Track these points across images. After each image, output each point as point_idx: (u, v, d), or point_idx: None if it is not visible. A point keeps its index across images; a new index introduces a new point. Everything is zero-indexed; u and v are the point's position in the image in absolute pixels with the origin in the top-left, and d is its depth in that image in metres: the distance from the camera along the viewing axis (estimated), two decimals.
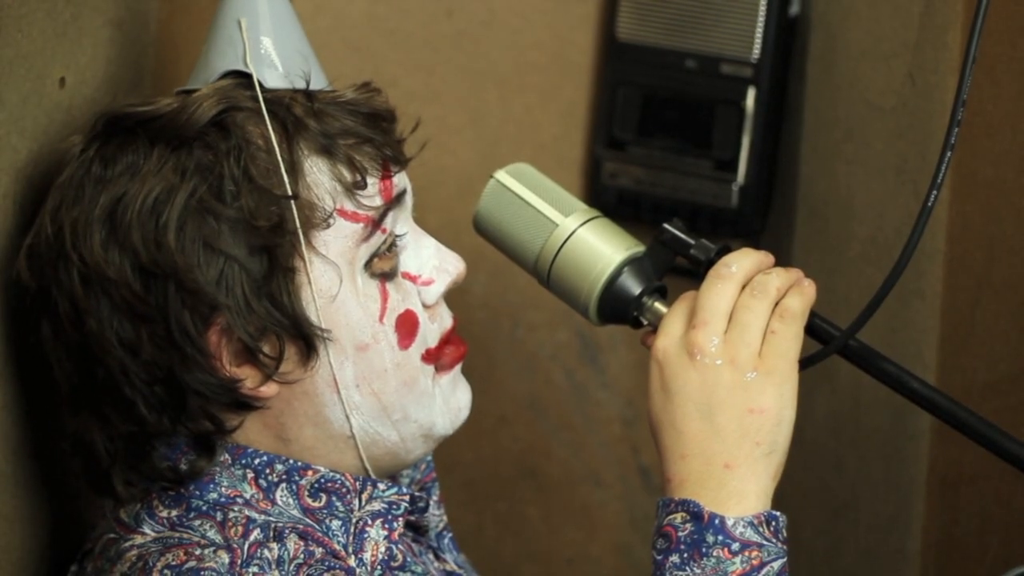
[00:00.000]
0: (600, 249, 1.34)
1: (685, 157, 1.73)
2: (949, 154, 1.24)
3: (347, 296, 1.30)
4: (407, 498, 1.34)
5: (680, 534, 1.26)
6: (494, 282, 1.83)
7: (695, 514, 1.25)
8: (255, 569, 1.24)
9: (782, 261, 1.77)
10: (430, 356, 1.35)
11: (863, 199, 1.66)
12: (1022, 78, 1.52)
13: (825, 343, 1.30)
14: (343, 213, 1.30)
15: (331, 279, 1.29)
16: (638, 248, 1.35)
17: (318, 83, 1.34)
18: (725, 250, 1.33)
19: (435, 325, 1.36)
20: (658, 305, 1.34)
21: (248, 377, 1.28)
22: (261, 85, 1.31)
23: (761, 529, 1.26)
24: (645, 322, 1.35)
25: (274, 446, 1.32)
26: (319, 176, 1.29)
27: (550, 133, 1.81)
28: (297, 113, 1.30)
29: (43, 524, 1.43)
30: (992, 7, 1.34)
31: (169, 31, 1.58)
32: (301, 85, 1.32)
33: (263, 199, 1.26)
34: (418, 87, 1.78)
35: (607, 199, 1.76)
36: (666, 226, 1.34)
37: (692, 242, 1.33)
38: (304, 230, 1.28)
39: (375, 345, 1.31)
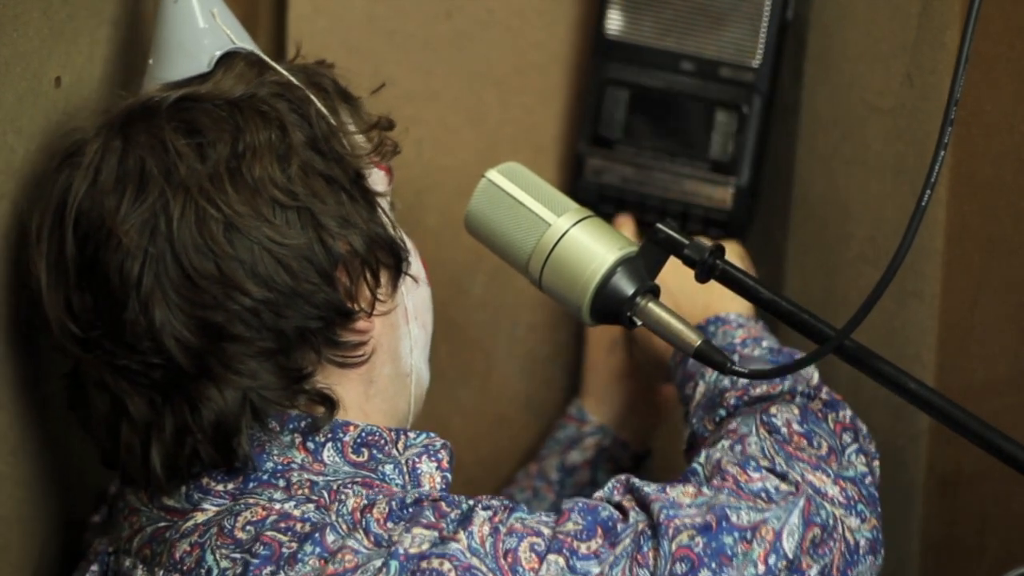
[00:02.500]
0: (593, 249, 1.34)
1: (678, 158, 1.73)
2: (943, 154, 1.24)
3: (399, 231, 1.39)
4: (438, 440, 1.36)
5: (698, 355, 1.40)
6: (493, 282, 1.83)
7: (704, 338, 1.35)
8: (346, 507, 1.27)
9: (773, 261, 1.79)
10: None
11: (861, 199, 1.66)
12: (1020, 78, 1.52)
13: (821, 343, 1.30)
14: (374, 160, 1.38)
15: (389, 214, 1.38)
16: (631, 248, 1.35)
17: None
18: (719, 250, 1.33)
19: None
20: (652, 306, 1.34)
21: (359, 312, 1.33)
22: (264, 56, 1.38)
23: (750, 319, 1.56)
24: (639, 322, 1.34)
25: (357, 393, 1.35)
26: (353, 126, 1.38)
27: (549, 134, 1.81)
28: (312, 68, 1.39)
29: (42, 525, 1.44)
30: (991, 7, 1.34)
31: None
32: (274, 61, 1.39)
33: (342, 139, 1.35)
34: (417, 87, 1.78)
35: (588, 197, 1.77)
36: (659, 226, 1.34)
37: (686, 242, 1.33)
38: (366, 166, 1.36)
39: (420, 278, 1.41)
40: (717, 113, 1.73)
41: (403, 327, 1.39)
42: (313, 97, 1.34)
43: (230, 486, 1.31)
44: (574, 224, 1.35)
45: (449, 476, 1.35)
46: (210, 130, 1.30)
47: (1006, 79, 1.52)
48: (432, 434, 1.37)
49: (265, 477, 1.31)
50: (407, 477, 1.33)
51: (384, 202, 1.37)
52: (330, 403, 1.32)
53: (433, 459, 1.35)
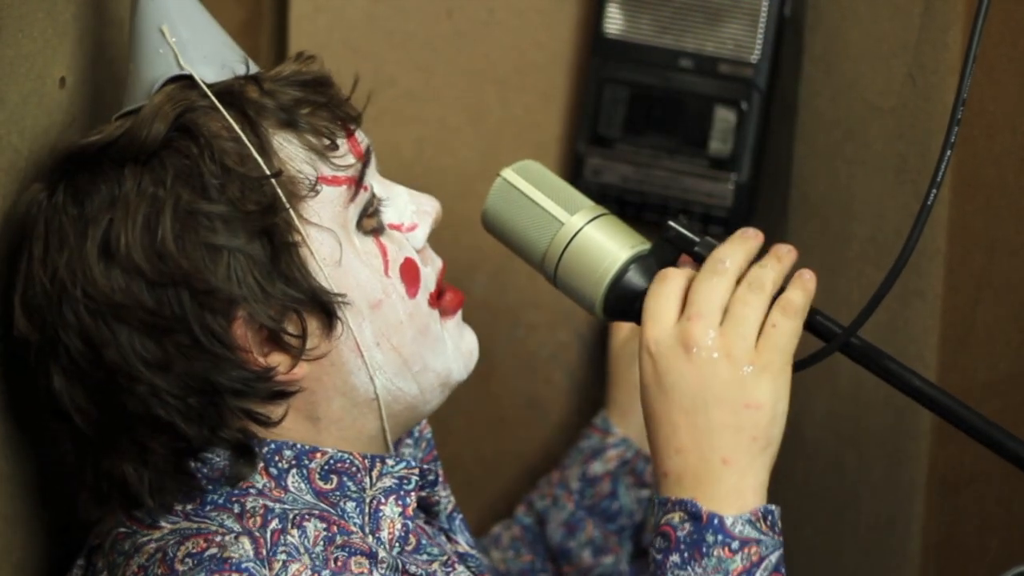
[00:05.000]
0: (606, 246, 1.34)
1: (678, 155, 1.74)
2: (949, 153, 1.24)
3: (350, 258, 1.32)
4: (416, 471, 1.35)
5: (679, 534, 1.27)
6: (494, 282, 1.83)
7: (693, 514, 1.26)
8: (284, 556, 1.24)
9: None
10: (434, 300, 1.38)
11: (863, 199, 1.66)
12: (1023, 78, 1.52)
13: (827, 341, 1.30)
14: (324, 179, 1.32)
15: (331, 245, 1.31)
16: (644, 245, 1.35)
17: (251, 68, 1.35)
18: None
19: (430, 268, 1.39)
20: None
21: (280, 363, 1.29)
22: (204, 82, 1.31)
23: (759, 525, 1.27)
24: None
25: (304, 428, 1.33)
26: (290, 149, 1.31)
27: (550, 133, 1.81)
28: (251, 96, 1.31)
29: (43, 525, 1.43)
30: (993, 7, 1.35)
31: None
32: (241, 72, 1.34)
33: (247, 185, 1.28)
34: (418, 87, 1.78)
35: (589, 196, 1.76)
36: (671, 223, 1.34)
37: (697, 239, 1.33)
38: (293, 204, 1.29)
39: (387, 299, 1.34)
40: (716, 109, 1.73)
41: (352, 361, 1.33)
42: (240, 132, 1.29)
43: (188, 507, 1.30)
44: (588, 222, 1.36)
45: (410, 524, 1.34)
46: (101, 200, 1.27)
47: (1009, 79, 1.52)
48: (413, 463, 1.35)
49: (221, 500, 1.30)
50: (367, 518, 1.32)
51: (325, 233, 1.31)
52: (249, 455, 1.30)
53: (400, 503, 1.33)
